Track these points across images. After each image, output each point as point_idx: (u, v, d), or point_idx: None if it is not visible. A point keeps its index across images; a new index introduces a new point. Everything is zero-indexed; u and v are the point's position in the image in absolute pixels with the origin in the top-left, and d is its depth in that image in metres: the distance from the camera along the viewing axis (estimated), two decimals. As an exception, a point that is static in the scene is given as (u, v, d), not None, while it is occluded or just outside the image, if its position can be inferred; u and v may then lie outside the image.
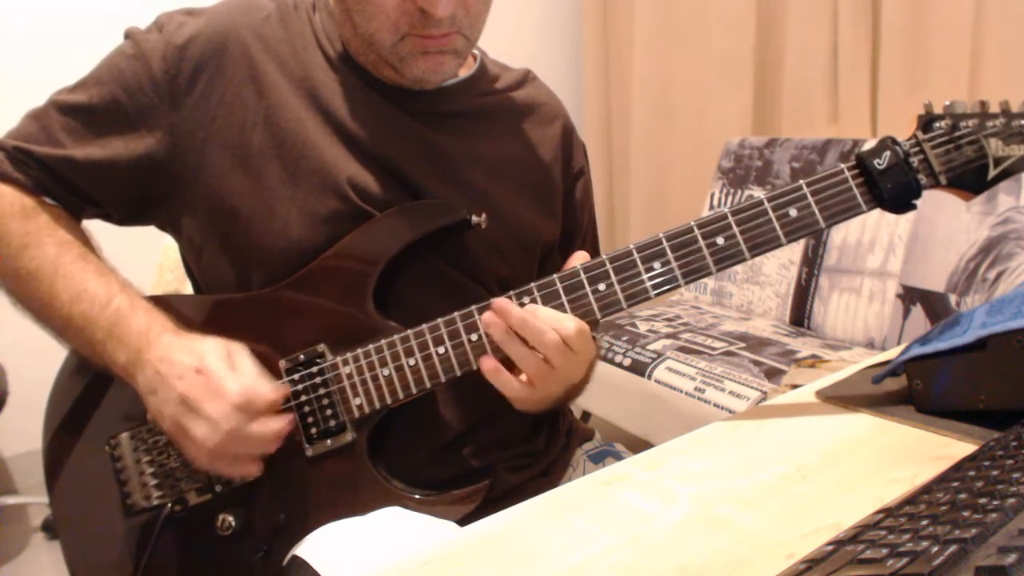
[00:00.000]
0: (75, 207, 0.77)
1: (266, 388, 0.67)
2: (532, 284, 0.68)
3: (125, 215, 0.79)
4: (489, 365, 0.67)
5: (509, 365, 0.68)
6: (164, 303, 0.74)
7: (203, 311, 0.75)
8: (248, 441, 0.66)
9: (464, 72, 0.82)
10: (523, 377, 0.67)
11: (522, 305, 0.68)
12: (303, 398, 0.71)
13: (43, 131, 0.74)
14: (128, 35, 0.76)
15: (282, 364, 0.72)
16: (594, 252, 0.93)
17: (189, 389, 0.64)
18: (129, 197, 0.77)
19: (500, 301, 0.67)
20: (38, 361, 1.25)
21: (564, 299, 0.68)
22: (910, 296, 1.73)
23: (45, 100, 0.76)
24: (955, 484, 0.45)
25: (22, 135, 0.75)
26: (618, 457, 0.88)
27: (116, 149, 0.74)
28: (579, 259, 0.69)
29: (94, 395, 0.77)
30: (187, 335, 0.69)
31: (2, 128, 0.78)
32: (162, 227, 0.81)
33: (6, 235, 0.72)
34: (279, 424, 0.67)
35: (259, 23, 0.76)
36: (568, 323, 0.66)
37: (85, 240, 0.77)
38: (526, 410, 0.74)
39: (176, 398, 0.65)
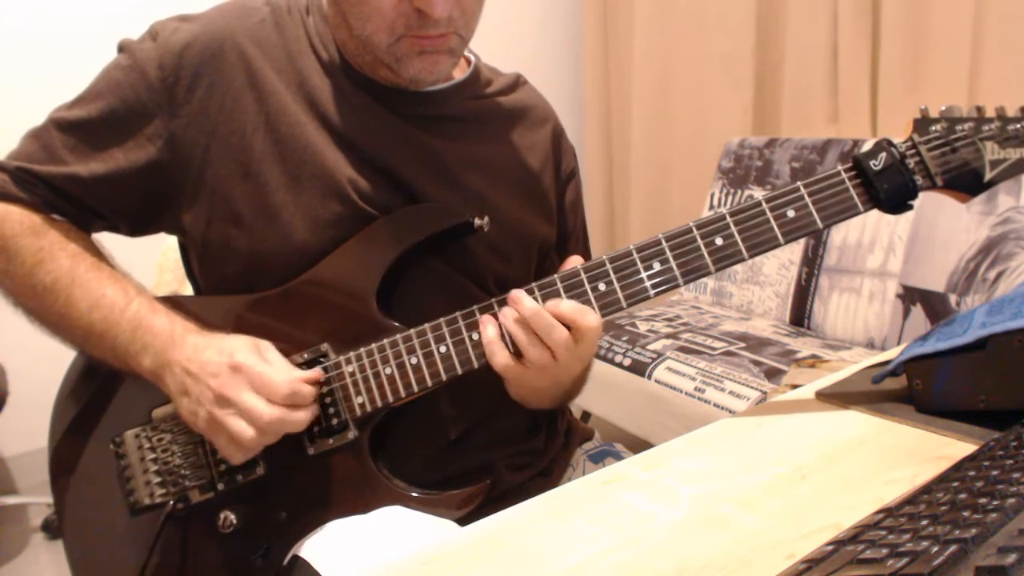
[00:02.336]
0: (83, 221, 0.78)
1: (304, 375, 0.68)
2: (533, 284, 0.69)
3: (133, 226, 0.79)
4: (489, 332, 0.67)
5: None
6: (171, 304, 0.74)
7: (209, 311, 0.75)
8: (283, 430, 0.67)
9: (458, 74, 0.82)
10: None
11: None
12: None
13: (44, 150, 0.74)
14: (122, 47, 0.76)
15: (285, 363, 0.72)
16: (584, 253, 0.94)
17: (224, 385, 0.65)
18: (135, 208, 0.77)
19: (516, 292, 0.67)
20: (38, 361, 1.25)
21: (564, 298, 0.68)
22: (910, 296, 1.73)
23: (44, 119, 0.76)
24: (955, 484, 0.45)
25: (24, 156, 0.75)
26: (618, 457, 0.88)
27: (119, 162, 0.74)
28: (573, 262, 0.70)
29: (101, 395, 0.77)
30: (211, 334, 0.70)
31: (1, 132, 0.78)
32: (169, 231, 0.81)
33: (20, 253, 0.72)
34: (312, 411, 0.68)
35: (255, 27, 0.76)
36: (591, 317, 0.66)
37: (97, 250, 0.77)
38: (520, 399, 0.75)
39: (211, 397, 0.65)
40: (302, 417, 0.67)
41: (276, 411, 0.65)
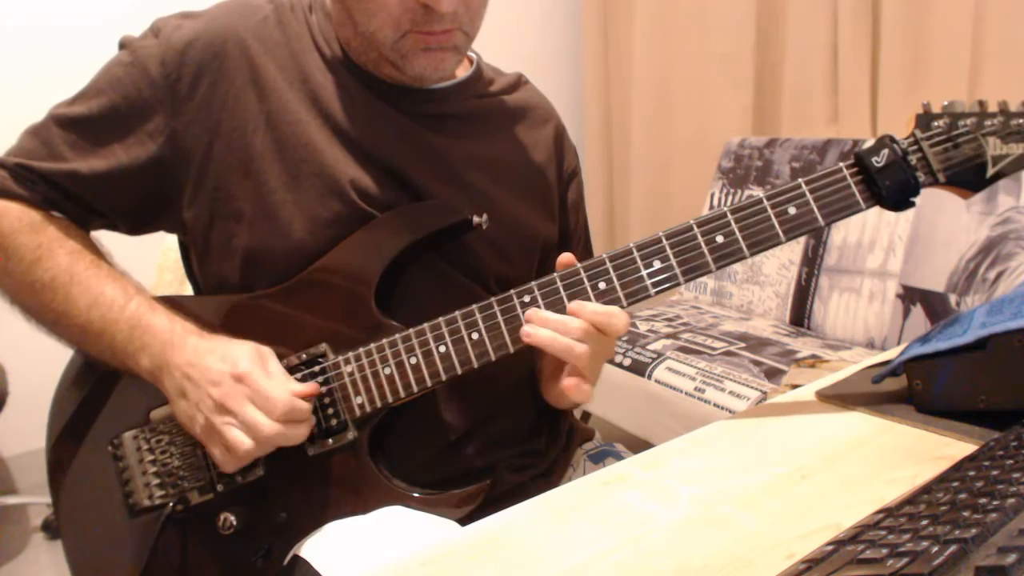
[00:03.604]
0: (82, 219, 0.77)
1: (301, 389, 0.67)
2: (532, 283, 0.69)
3: (132, 224, 0.79)
4: (570, 382, 0.68)
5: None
6: (170, 304, 0.74)
7: (207, 311, 0.75)
8: (281, 444, 0.67)
9: (461, 73, 0.82)
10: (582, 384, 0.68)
11: (523, 305, 0.68)
12: None
13: (44, 146, 0.74)
14: (124, 44, 0.76)
15: (284, 364, 0.72)
16: (586, 253, 0.94)
17: (226, 396, 0.65)
18: (134, 205, 0.77)
19: (574, 304, 0.66)
20: (38, 361, 1.25)
21: (564, 296, 0.68)
22: (910, 296, 1.73)
23: (44, 115, 0.76)
24: (955, 484, 0.45)
25: (23, 152, 0.75)
26: (618, 457, 0.88)
27: (119, 158, 0.74)
28: (566, 260, 0.70)
29: (98, 395, 0.77)
30: (212, 337, 0.69)
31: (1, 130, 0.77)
32: (168, 229, 0.81)
33: (18, 249, 0.72)
34: (309, 425, 0.68)
35: (257, 25, 0.75)
36: (617, 321, 0.66)
37: (95, 248, 0.77)
38: (555, 401, 0.79)
39: (211, 405, 0.65)
40: (300, 433, 0.67)
41: (276, 426, 0.65)
